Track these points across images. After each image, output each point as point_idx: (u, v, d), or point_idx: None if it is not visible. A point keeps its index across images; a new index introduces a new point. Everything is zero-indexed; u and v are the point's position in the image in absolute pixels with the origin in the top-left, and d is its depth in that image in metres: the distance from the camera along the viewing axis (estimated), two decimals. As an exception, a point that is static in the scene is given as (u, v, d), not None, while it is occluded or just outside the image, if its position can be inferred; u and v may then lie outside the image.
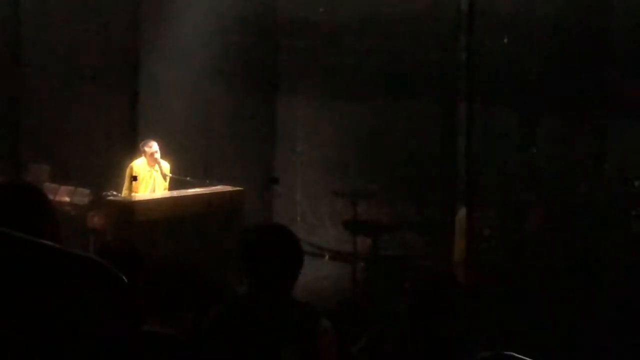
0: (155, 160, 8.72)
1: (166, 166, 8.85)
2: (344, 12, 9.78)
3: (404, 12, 9.25)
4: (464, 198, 8.53)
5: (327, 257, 9.95)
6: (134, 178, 8.51)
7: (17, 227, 2.03)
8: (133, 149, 8.93)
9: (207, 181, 9.17)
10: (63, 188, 9.77)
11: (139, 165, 8.69)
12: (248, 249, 3.07)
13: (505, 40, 8.30)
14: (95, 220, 9.15)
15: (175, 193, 8.89)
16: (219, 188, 9.14)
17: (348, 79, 9.89)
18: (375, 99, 9.72)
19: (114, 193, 8.53)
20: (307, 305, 3.10)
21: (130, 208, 8.22)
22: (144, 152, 8.71)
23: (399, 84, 9.38)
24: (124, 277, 1.85)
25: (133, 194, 8.50)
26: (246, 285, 3.08)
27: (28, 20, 10.48)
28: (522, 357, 2.15)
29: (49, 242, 1.93)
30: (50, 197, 9.32)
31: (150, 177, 8.74)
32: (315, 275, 8.86)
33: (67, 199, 9.66)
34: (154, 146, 8.70)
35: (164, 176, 8.83)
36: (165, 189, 8.88)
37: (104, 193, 8.65)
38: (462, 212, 8.30)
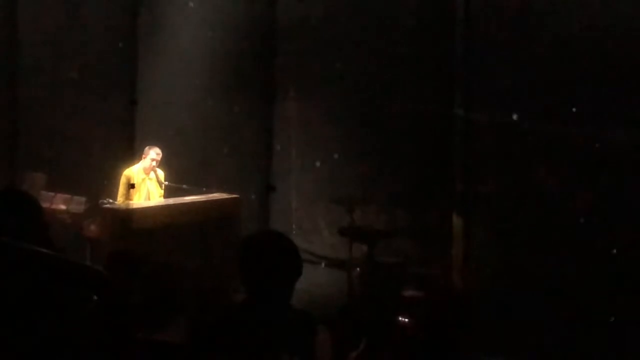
0: (153, 168, 8.70)
1: (161, 174, 8.83)
2: (343, 17, 9.78)
3: (402, 16, 9.26)
4: (461, 204, 8.53)
5: (323, 264, 9.93)
6: (132, 186, 8.48)
7: (6, 232, 2.03)
8: (130, 157, 8.91)
9: (203, 189, 9.16)
10: (59, 196, 9.76)
11: (134, 172, 8.66)
12: (245, 256, 3.06)
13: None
14: (92, 228, 9.14)
15: (172, 201, 8.87)
16: (215, 196, 9.13)
17: (347, 84, 9.88)
18: (373, 105, 9.71)
19: (110, 201, 8.51)
20: (304, 312, 3.11)
21: (127, 216, 8.20)
22: (147, 154, 8.64)
23: (396, 89, 9.37)
24: (119, 285, 1.85)
25: (129, 201, 8.48)
26: (243, 293, 3.08)
27: (25, 26, 10.50)
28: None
29: (46, 250, 1.93)
30: (47, 205, 9.38)
31: (144, 184, 8.71)
32: (312, 282, 8.84)
33: (63, 207, 9.65)
34: (160, 154, 8.67)
35: (160, 184, 8.80)
36: (160, 197, 8.86)
37: (100, 201, 8.63)
38: (459, 219, 8.31)
